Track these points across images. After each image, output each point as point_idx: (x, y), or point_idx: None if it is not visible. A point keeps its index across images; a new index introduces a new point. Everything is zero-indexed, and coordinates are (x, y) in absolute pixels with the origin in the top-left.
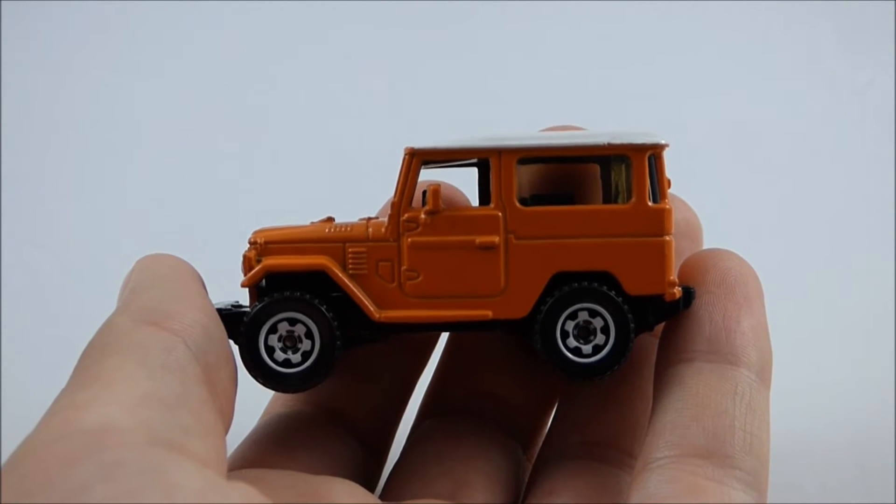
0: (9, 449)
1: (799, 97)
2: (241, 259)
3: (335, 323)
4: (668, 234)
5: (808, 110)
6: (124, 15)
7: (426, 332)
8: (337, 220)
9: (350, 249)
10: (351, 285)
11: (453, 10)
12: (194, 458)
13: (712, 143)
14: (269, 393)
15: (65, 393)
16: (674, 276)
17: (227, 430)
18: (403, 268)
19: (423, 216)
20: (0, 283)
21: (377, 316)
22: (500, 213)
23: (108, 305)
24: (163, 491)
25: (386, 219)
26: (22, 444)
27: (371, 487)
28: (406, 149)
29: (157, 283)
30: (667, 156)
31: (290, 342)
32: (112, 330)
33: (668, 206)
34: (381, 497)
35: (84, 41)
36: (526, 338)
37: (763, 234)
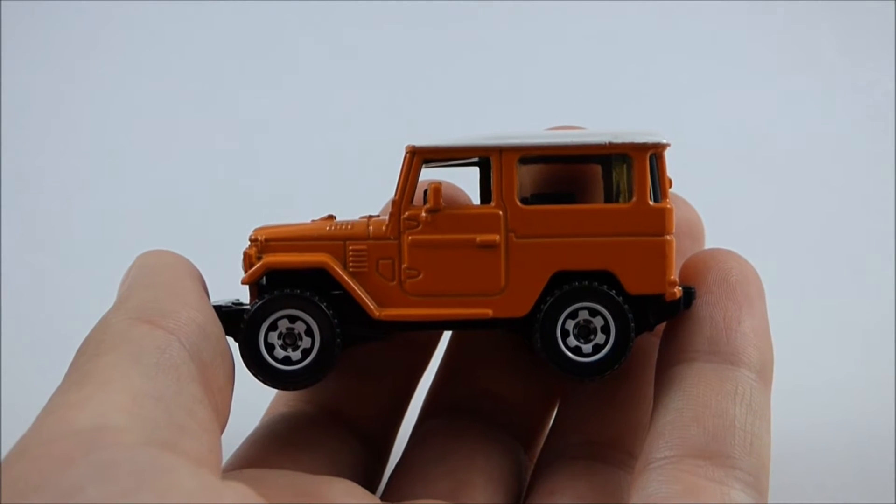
0: (9, 449)
1: (799, 97)
2: (242, 256)
3: (335, 321)
4: (668, 233)
5: (808, 110)
6: (125, 14)
7: (426, 331)
8: (338, 219)
9: (351, 247)
10: (351, 283)
11: (454, 9)
12: (189, 458)
13: (712, 143)
14: (272, 393)
15: (59, 392)
16: (674, 276)
17: (223, 429)
18: (404, 266)
19: (423, 214)
20: (0, 283)
21: (377, 314)
22: (500, 212)
23: (107, 305)
24: (157, 491)
25: (387, 217)
26: (17, 444)
27: (373, 487)
28: (407, 147)
29: (153, 280)
30: (667, 155)
31: (290, 340)
32: (106, 328)
33: (669, 206)
34: (383, 497)
35: (85, 41)
36: (526, 337)
37: (763, 233)
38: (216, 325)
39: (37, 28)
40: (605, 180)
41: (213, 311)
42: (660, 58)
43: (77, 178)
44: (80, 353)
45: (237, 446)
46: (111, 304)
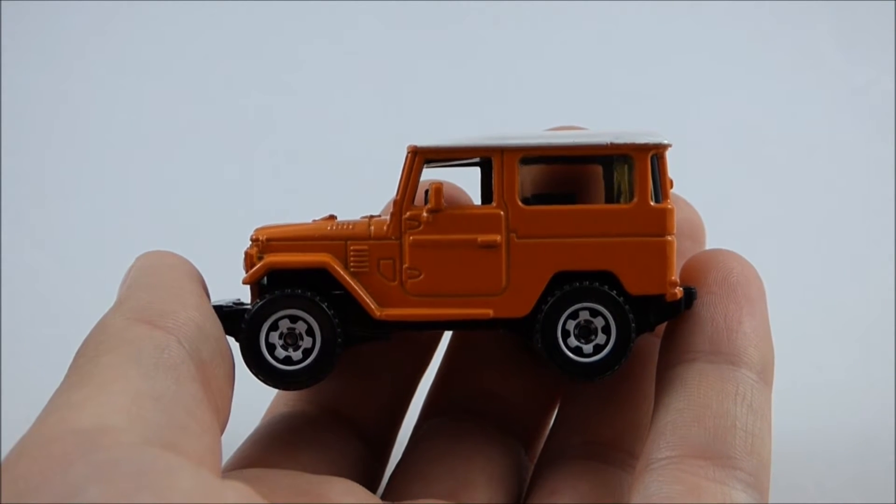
0: (9, 449)
1: (799, 97)
2: (243, 256)
3: (336, 320)
4: (669, 234)
5: (808, 110)
6: (125, 14)
7: (427, 331)
8: (339, 218)
9: (352, 247)
10: (352, 283)
11: (456, 10)
12: (189, 458)
13: (712, 143)
14: (272, 393)
15: (59, 392)
16: (675, 277)
17: (223, 429)
18: (405, 266)
19: (425, 214)
20: (0, 283)
21: (378, 314)
22: (501, 212)
23: (107, 305)
24: (157, 491)
25: (388, 217)
26: (16, 444)
27: (374, 487)
28: (409, 147)
29: (153, 281)
30: (668, 156)
31: (291, 339)
32: (105, 329)
33: (669, 206)
34: (384, 496)
35: (85, 41)
36: (527, 337)
37: (763, 233)
38: (216, 325)
39: (37, 28)
40: (606, 181)
41: (212, 311)
42: (660, 58)
43: (77, 178)
44: (80, 353)
45: (237, 446)
46: (111, 304)
